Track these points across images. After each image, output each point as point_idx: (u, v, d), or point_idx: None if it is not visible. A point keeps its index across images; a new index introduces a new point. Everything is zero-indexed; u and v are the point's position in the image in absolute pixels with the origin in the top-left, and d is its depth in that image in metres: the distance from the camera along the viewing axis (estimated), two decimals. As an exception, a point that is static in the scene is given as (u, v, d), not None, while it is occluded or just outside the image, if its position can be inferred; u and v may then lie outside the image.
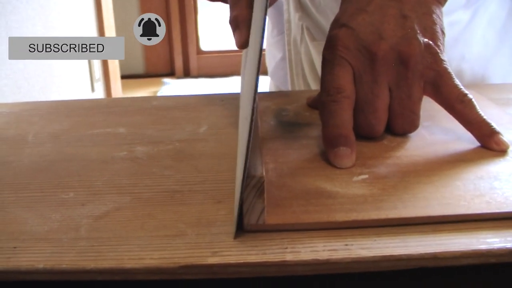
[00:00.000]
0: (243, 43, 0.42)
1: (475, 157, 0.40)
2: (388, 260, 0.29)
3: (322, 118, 0.42)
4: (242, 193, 0.30)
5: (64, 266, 0.29)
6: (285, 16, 0.80)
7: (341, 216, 0.32)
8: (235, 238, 0.31)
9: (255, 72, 0.31)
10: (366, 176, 0.37)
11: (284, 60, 0.83)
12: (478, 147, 0.42)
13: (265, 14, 0.31)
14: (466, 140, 0.43)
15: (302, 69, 0.79)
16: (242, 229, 0.31)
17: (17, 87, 1.29)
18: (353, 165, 0.39)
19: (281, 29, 0.83)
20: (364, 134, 0.43)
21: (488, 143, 0.42)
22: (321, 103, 0.43)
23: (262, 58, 0.30)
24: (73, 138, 0.48)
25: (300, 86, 0.80)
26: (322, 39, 0.79)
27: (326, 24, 0.75)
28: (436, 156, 0.41)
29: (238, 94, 0.59)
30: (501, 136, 0.41)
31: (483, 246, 0.29)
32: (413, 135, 0.44)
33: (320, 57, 0.44)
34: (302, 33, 0.77)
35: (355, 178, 0.37)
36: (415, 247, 0.29)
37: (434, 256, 0.29)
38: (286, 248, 0.30)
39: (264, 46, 0.91)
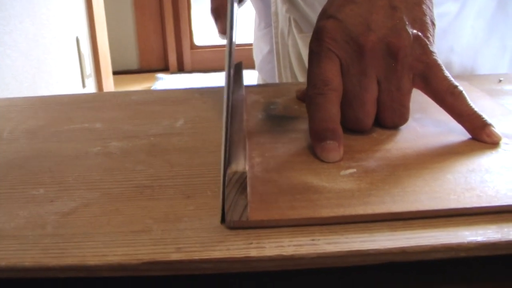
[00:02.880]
0: (224, 31, 0.42)
1: (466, 149, 0.39)
2: (354, 255, 0.28)
3: (309, 111, 0.41)
4: (224, 188, 0.30)
5: (27, 263, 0.28)
6: (273, 8, 0.79)
7: (327, 212, 0.31)
8: (200, 234, 0.30)
9: (228, 63, 0.31)
10: (354, 170, 0.36)
11: (271, 53, 0.83)
12: (470, 140, 0.41)
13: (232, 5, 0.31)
14: (458, 133, 0.42)
15: (290, 62, 0.79)
16: (225, 225, 0.31)
17: (5, 84, 1.28)
18: (341, 159, 0.38)
19: (268, 22, 0.82)
20: (352, 128, 0.43)
21: (479, 135, 0.41)
22: (307, 97, 0.42)
23: (249, 52, 0.31)
24: (49, 134, 0.47)
25: (287, 78, 0.79)
26: (309, 31, 0.78)
27: (314, 16, 0.74)
28: (427, 148, 0.40)
29: (217, 88, 0.59)
30: (492, 128, 0.41)
31: (453, 240, 0.29)
32: (404, 128, 0.44)
33: (307, 50, 0.43)
34: (290, 25, 0.77)
35: (342, 172, 0.36)
36: (384, 241, 0.29)
37: (403, 251, 0.28)
38: (251, 243, 0.29)
39: (251, 40, 0.90)
